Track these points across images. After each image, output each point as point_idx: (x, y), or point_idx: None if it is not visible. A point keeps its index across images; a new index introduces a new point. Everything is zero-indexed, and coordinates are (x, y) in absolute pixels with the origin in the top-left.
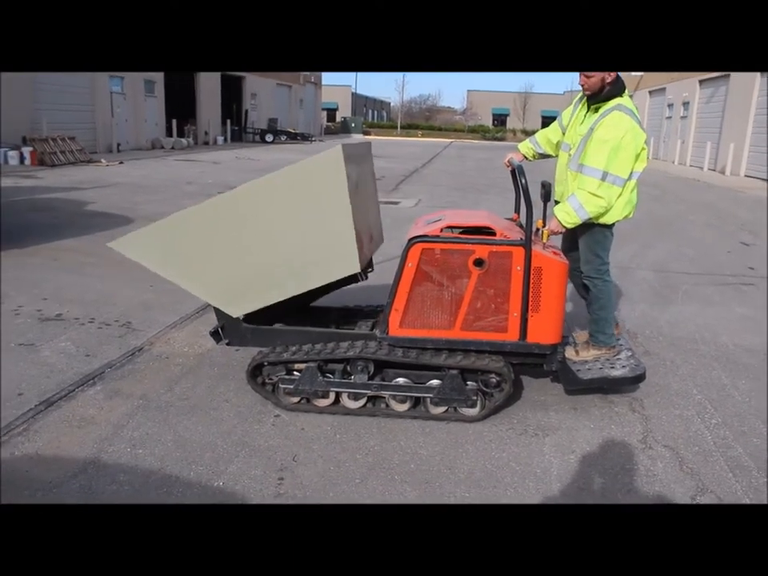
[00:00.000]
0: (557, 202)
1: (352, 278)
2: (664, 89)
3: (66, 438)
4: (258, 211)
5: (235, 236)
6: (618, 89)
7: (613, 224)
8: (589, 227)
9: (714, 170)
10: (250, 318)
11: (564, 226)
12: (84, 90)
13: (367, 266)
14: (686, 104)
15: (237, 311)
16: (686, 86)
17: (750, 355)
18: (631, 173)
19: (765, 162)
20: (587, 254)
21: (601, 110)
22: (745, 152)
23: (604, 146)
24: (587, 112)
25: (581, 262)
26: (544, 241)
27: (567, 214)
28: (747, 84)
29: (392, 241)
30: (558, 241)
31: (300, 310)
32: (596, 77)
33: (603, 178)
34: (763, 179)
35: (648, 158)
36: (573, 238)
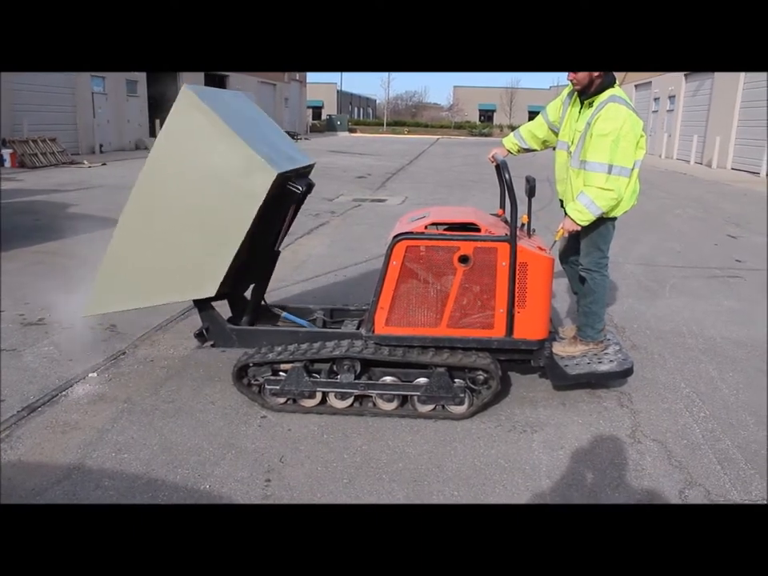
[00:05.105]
0: (561, 202)
1: (292, 195)
2: (650, 83)
3: (49, 443)
4: (163, 190)
5: (163, 227)
6: (608, 81)
7: (616, 218)
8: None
9: (701, 164)
10: (237, 311)
11: (578, 225)
12: (65, 91)
13: (306, 184)
14: (671, 98)
15: (209, 290)
16: (671, 79)
17: (737, 348)
18: (634, 161)
19: (751, 154)
20: (589, 246)
21: (595, 104)
22: (731, 145)
23: (605, 140)
24: (581, 108)
25: (581, 254)
26: (556, 239)
27: (580, 212)
28: (732, 78)
29: (378, 239)
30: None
31: (269, 257)
32: (583, 71)
33: (609, 171)
34: (749, 172)
35: (646, 145)
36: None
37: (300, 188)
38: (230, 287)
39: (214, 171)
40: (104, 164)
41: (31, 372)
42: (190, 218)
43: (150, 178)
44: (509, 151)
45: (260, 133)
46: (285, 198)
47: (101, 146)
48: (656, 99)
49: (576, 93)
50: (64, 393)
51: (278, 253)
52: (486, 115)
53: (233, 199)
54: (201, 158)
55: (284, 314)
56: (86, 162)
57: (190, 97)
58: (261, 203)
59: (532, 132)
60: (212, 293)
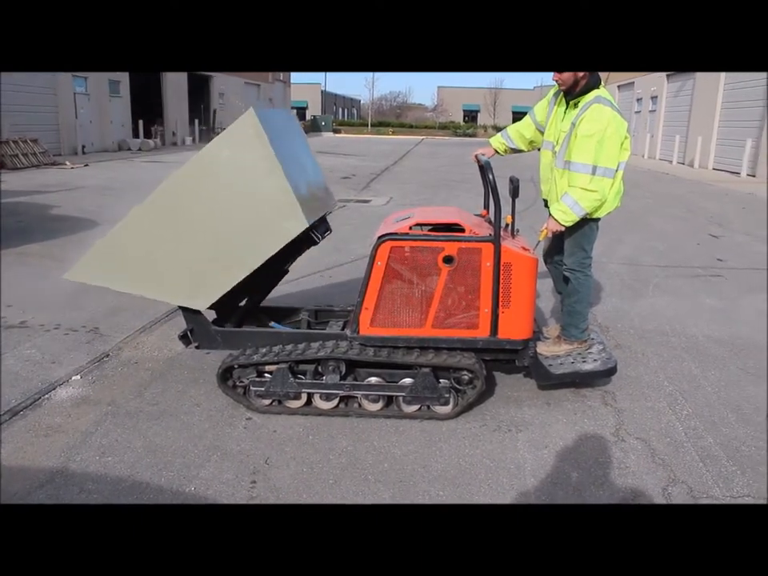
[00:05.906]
0: (545, 201)
1: (310, 241)
2: (632, 83)
3: (31, 447)
4: (193, 197)
5: (179, 229)
6: (594, 81)
7: (600, 218)
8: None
9: (683, 164)
10: (224, 316)
11: (563, 225)
12: (46, 91)
13: (325, 229)
14: (654, 98)
15: (204, 303)
16: (653, 80)
17: (719, 346)
18: (618, 163)
19: (732, 155)
20: (572, 246)
21: (580, 104)
22: (712, 145)
23: (589, 141)
24: (567, 108)
25: (565, 255)
26: (540, 239)
27: (564, 213)
28: (713, 78)
29: (363, 239)
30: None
31: (273, 276)
32: (567, 72)
33: (593, 172)
34: (730, 172)
35: (630, 146)
36: None
37: (319, 237)
38: (222, 303)
39: (250, 198)
40: (86, 165)
41: (13, 375)
42: (209, 229)
43: (185, 177)
44: (496, 151)
45: (302, 168)
46: (303, 240)
47: (83, 146)
48: (638, 100)
49: (562, 93)
50: (47, 396)
51: (286, 271)
52: (470, 115)
53: (258, 231)
54: (242, 180)
55: (272, 323)
56: (68, 162)
57: (254, 122)
58: (283, 245)
59: (520, 132)
60: (203, 307)
